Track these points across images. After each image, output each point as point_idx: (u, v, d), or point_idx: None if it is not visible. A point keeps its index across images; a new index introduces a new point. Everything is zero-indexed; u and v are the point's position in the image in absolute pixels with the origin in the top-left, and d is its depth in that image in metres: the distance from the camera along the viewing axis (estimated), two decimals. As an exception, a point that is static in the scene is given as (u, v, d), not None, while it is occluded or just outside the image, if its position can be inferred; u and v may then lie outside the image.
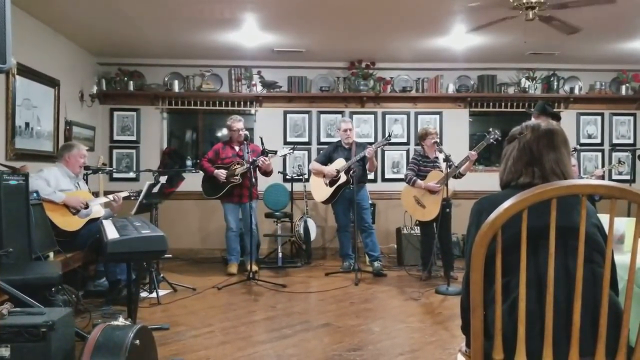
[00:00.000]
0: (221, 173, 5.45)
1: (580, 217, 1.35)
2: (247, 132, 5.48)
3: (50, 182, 4.12)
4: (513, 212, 1.36)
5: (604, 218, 1.53)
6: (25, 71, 4.74)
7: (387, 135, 5.78)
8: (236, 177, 5.39)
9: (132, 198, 4.69)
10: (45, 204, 3.97)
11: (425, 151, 5.45)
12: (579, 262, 1.35)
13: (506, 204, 1.36)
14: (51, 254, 3.79)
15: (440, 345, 3.34)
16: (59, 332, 2.13)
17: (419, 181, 5.28)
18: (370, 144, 5.75)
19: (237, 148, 5.56)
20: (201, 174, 5.71)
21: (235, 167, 5.43)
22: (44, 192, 3.97)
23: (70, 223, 4.12)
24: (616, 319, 1.39)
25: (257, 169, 5.49)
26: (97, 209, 4.36)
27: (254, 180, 5.25)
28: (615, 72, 7.09)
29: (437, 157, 5.43)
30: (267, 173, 5.56)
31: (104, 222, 3.57)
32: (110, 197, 4.53)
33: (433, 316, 4.05)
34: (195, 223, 6.80)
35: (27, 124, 4.83)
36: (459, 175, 5.29)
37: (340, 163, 5.64)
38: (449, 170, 5.04)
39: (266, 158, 5.32)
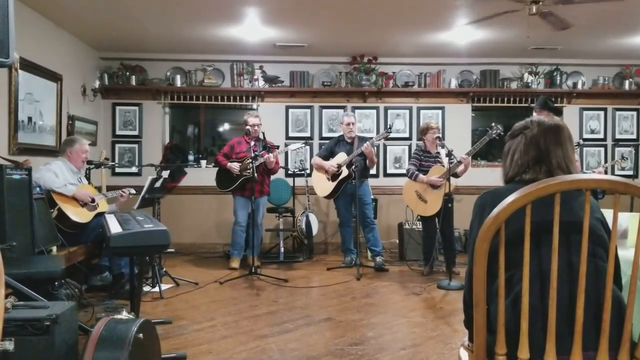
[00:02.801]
0: (234, 166, 5.47)
1: (583, 211, 1.35)
2: (249, 128, 5.47)
3: (58, 174, 4.16)
4: (516, 206, 1.36)
5: (608, 213, 1.52)
6: (28, 65, 4.74)
7: (387, 127, 5.77)
8: (249, 171, 5.40)
9: (131, 196, 4.72)
10: (56, 196, 4.01)
11: (427, 146, 5.44)
12: (583, 257, 1.35)
13: (510, 198, 1.36)
14: (54, 248, 3.81)
15: (442, 340, 3.34)
16: (63, 326, 2.14)
17: (421, 175, 5.27)
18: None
19: (252, 143, 5.56)
20: (203, 169, 5.73)
21: (248, 161, 5.44)
22: (55, 184, 4.02)
23: (82, 214, 4.18)
24: (619, 314, 1.39)
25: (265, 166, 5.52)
26: (103, 203, 4.41)
27: (256, 175, 5.24)
28: (618, 67, 7.06)
29: (438, 152, 5.43)
30: (270, 171, 5.59)
31: (107, 216, 3.58)
32: (118, 192, 4.57)
33: (435, 311, 4.05)
34: (198, 218, 6.81)
35: (29, 119, 4.83)
36: (455, 176, 5.28)
37: (342, 157, 5.63)
38: (451, 166, 5.04)
39: (270, 155, 5.34)
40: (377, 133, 6.82)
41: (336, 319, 3.81)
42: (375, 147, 5.89)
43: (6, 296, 2.26)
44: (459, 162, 5.14)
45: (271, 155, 5.40)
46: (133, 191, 4.68)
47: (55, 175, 4.11)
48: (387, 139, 5.89)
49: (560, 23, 4.58)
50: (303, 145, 5.84)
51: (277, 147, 5.84)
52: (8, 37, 1.83)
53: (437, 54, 6.63)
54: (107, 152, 6.53)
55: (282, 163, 6.61)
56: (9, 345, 1.79)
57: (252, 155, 5.19)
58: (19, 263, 3.02)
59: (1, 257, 1.34)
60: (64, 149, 4.46)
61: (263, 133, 5.53)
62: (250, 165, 5.23)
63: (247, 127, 5.52)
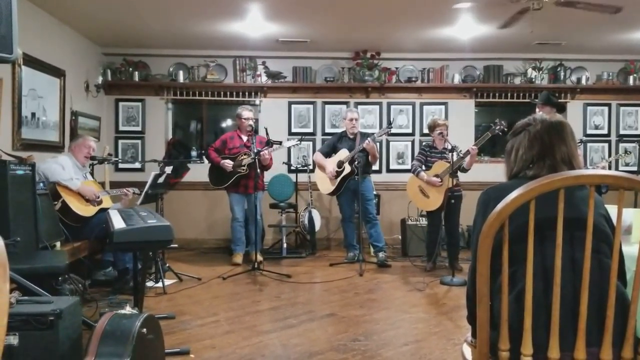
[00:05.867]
0: (227, 163, 5.46)
1: (587, 207, 1.35)
2: (251, 124, 5.46)
3: (65, 168, 4.19)
4: (520, 202, 1.35)
5: (612, 209, 1.52)
6: (31, 61, 4.74)
7: (388, 123, 5.75)
8: (243, 168, 5.39)
9: (135, 195, 4.74)
10: (62, 189, 4.04)
11: (435, 142, 5.43)
12: (587, 253, 1.34)
13: (513, 194, 1.36)
14: (58, 244, 3.82)
15: (445, 336, 3.34)
16: (67, 321, 2.15)
17: (422, 173, 5.27)
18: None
19: (245, 138, 5.54)
20: (206, 164, 5.73)
21: (242, 157, 5.42)
22: (61, 177, 4.06)
23: (86, 208, 4.21)
24: (623, 310, 1.38)
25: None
26: (106, 199, 4.44)
27: (258, 171, 5.24)
28: (622, 62, 7.02)
29: (445, 149, 5.40)
30: (264, 167, 5.51)
31: (110, 212, 3.59)
32: (123, 191, 4.59)
33: (437, 307, 4.06)
34: (201, 213, 6.82)
35: (33, 114, 4.84)
36: (463, 170, 5.27)
37: (344, 153, 5.62)
38: (454, 161, 5.02)
39: (266, 151, 5.31)
40: (380, 129, 6.81)
41: (339, 315, 3.81)
42: (378, 143, 5.86)
43: (10, 291, 2.27)
44: (467, 152, 5.07)
45: (266, 152, 5.35)
46: (137, 190, 4.71)
47: (62, 168, 4.16)
48: (388, 134, 5.87)
49: (607, 8, 4.37)
50: (298, 142, 5.77)
51: (280, 142, 5.82)
52: (11, 33, 1.84)
53: (440, 49, 6.61)
54: (110, 147, 6.54)
55: (284, 159, 6.62)
56: (14, 339, 1.80)
57: (255, 151, 5.18)
58: (23, 258, 3.03)
59: (5, 253, 1.35)
60: (70, 145, 4.53)
61: (266, 129, 5.51)
62: (245, 162, 5.23)
63: (243, 120, 5.50)
